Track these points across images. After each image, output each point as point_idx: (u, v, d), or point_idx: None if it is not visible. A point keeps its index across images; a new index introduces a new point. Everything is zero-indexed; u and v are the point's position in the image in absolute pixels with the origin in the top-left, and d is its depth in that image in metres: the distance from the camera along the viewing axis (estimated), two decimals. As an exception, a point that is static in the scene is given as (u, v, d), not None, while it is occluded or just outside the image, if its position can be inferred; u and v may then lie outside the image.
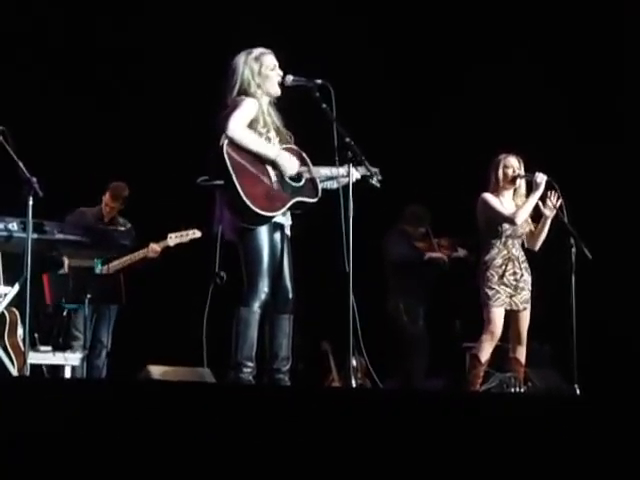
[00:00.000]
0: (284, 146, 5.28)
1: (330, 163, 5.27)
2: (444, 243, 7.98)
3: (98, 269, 7.29)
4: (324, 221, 5.11)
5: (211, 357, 5.34)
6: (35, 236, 5.52)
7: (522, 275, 6.56)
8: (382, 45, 8.62)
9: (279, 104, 5.34)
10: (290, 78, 5.27)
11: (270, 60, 5.29)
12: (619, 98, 8.50)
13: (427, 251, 7.96)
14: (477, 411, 3.90)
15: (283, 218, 5.27)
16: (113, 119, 8.30)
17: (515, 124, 8.13)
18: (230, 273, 5.21)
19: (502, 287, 6.49)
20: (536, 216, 6.62)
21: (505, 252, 6.56)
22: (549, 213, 6.55)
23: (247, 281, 5.16)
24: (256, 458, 3.49)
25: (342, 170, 5.23)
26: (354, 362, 6.70)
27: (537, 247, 6.67)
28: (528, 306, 6.57)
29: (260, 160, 5.17)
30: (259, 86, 5.23)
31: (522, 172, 6.61)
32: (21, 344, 6.38)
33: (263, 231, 5.15)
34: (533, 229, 6.65)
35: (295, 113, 5.41)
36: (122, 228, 7.29)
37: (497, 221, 6.56)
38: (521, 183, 6.66)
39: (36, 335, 6.82)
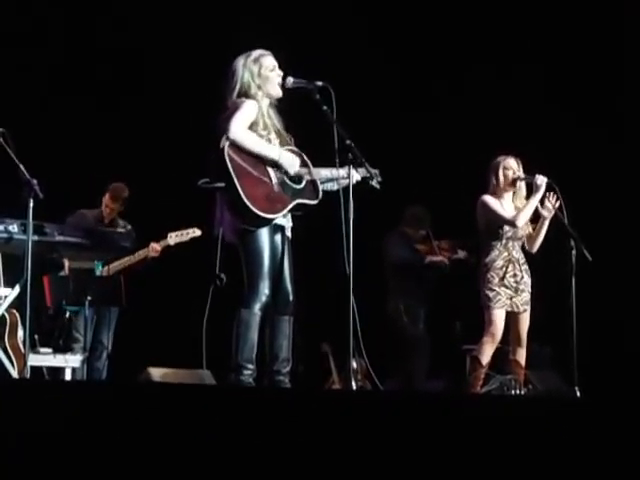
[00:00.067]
0: (285, 148, 5.29)
1: (330, 165, 5.28)
2: (444, 245, 7.98)
3: (98, 271, 7.29)
4: (324, 223, 5.11)
5: (211, 359, 5.34)
6: (35, 238, 5.52)
7: (522, 277, 6.56)
8: (382, 47, 8.62)
9: (280, 106, 5.34)
10: (290, 80, 5.27)
11: (269, 61, 5.30)
12: (619, 99, 8.49)
13: (427, 253, 7.96)
14: (477, 413, 3.90)
15: (284, 220, 5.27)
16: (113, 121, 8.30)
17: (514, 125, 8.13)
18: (230, 275, 5.21)
19: (502, 289, 6.49)
20: (534, 217, 6.62)
21: (506, 254, 6.55)
22: (547, 214, 6.54)
23: (248, 283, 5.16)
24: (257, 460, 3.49)
25: (342, 172, 5.23)
26: (354, 364, 6.70)
27: (535, 249, 6.67)
28: (528, 308, 6.57)
29: (261, 162, 5.17)
30: (259, 87, 5.23)
31: (522, 174, 6.61)
32: (21, 346, 6.39)
33: (264, 233, 5.15)
34: (532, 231, 6.65)
35: (296, 115, 5.41)
36: (122, 230, 7.29)
37: (498, 223, 6.56)
38: (521, 185, 6.66)
39: (36, 337, 6.82)
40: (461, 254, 7.89)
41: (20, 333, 6.47)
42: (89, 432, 3.37)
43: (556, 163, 7.00)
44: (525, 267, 6.60)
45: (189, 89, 7.88)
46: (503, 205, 6.60)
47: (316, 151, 5.35)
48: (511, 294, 6.50)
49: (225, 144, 5.07)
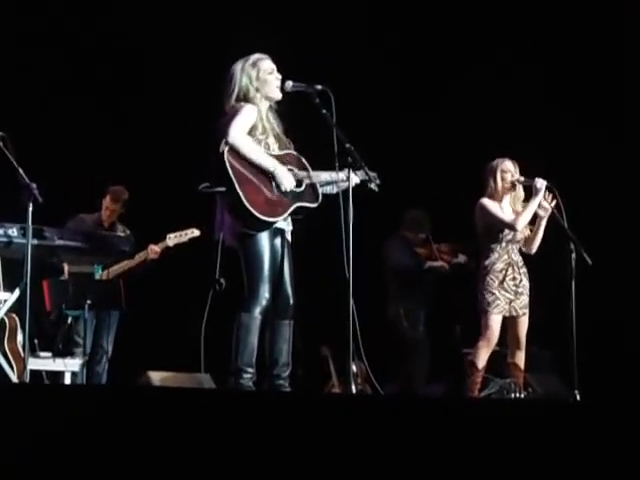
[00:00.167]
0: (283, 152, 5.29)
1: (330, 168, 5.27)
2: (444, 249, 7.98)
3: (98, 275, 7.29)
4: (324, 226, 5.11)
5: (211, 363, 5.33)
6: (35, 242, 5.52)
7: (521, 280, 6.55)
8: (381, 50, 8.62)
9: (279, 110, 5.35)
10: (290, 84, 5.27)
11: (267, 65, 5.30)
12: (619, 100, 8.49)
13: (427, 257, 7.96)
14: (477, 417, 3.90)
15: (284, 223, 5.27)
16: (112, 125, 8.30)
17: (514, 128, 8.13)
18: (231, 279, 5.20)
19: (502, 292, 6.48)
20: (532, 219, 6.62)
21: (505, 257, 6.55)
22: (544, 213, 6.54)
23: (248, 287, 5.16)
24: (256, 464, 3.49)
25: (341, 175, 5.23)
26: (354, 367, 6.69)
27: (534, 250, 6.66)
28: (527, 311, 6.56)
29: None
30: (258, 90, 5.24)
31: (521, 177, 6.61)
32: (21, 350, 6.38)
33: (264, 237, 5.15)
34: (530, 232, 6.64)
35: (295, 119, 5.41)
36: (121, 234, 7.29)
37: (497, 227, 6.56)
38: (518, 187, 6.65)
39: (36, 341, 6.81)
40: (461, 258, 7.90)
41: (20, 337, 6.46)
42: (89, 436, 3.37)
43: (555, 165, 7.00)
44: (524, 270, 6.60)
45: (187, 92, 7.88)
46: (502, 208, 6.60)
47: (315, 154, 5.35)
48: (510, 298, 6.49)
49: (225, 148, 5.08)
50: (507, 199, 6.64)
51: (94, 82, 8.33)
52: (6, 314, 6.22)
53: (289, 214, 5.24)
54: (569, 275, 6.41)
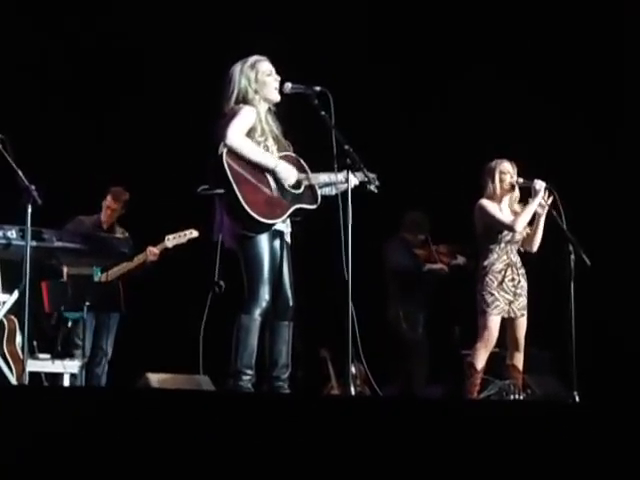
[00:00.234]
0: (282, 154, 5.29)
1: (329, 170, 5.27)
2: (443, 250, 7.98)
3: (97, 277, 7.29)
4: (323, 228, 5.11)
5: (210, 365, 5.33)
6: (34, 244, 5.52)
7: (519, 281, 6.55)
8: (381, 52, 8.62)
9: (278, 111, 5.35)
10: (289, 86, 5.27)
11: (266, 66, 5.30)
12: (619, 103, 8.50)
13: (426, 258, 7.96)
14: (477, 418, 3.90)
15: (283, 225, 5.27)
16: (111, 127, 8.30)
17: (513, 129, 8.13)
18: (230, 280, 5.20)
19: (501, 293, 6.48)
20: (530, 219, 6.61)
21: (504, 257, 6.55)
22: (541, 211, 6.54)
23: (248, 289, 5.15)
24: (255, 466, 3.49)
25: (340, 176, 5.24)
26: (353, 369, 6.69)
27: (535, 248, 6.65)
28: (525, 312, 6.56)
29: (259, 168, 5.17)
30: (256, 92, 5.23)
31: (519, 178, 6.60)
32: (20, 352, 6.37)
33: (263, 239, 5.15)
34: (529, 230, 6.64)
35: (294, 120, 5.41)
36: (120, 236, 7.29)
37: (496, 228, 6.56)
38: (516, 188, 6.65)
39: (35, 343, 6.81)
40: (460, 259, 7.90)
41: (18, 339, 6.46)
42: (88, 438, 3.37)
43: (554, 166, 7.00)
44: (522, 271, 6.59)
45: (187, 96, 7.88)
46: (501, 209, 6.60)
47: (314, 156, 5.35)
48: (510, 299, 6.49)
49: (223, 151, 5.08)
50: (506, 200, 6.64)
51: (93, 84, 8.33)
52: (5, 316, 6.22)
53: (288, 216, 5.24)
54: (568, 276, 6.42)
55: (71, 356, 7.12)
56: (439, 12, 8.60)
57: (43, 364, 6.82)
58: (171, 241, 7.49)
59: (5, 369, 6.06)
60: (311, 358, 8.03)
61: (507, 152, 6.71)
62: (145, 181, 7.89)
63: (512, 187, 6.62)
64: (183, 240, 7.48)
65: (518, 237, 6.60)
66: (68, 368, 6.90)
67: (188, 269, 7.21)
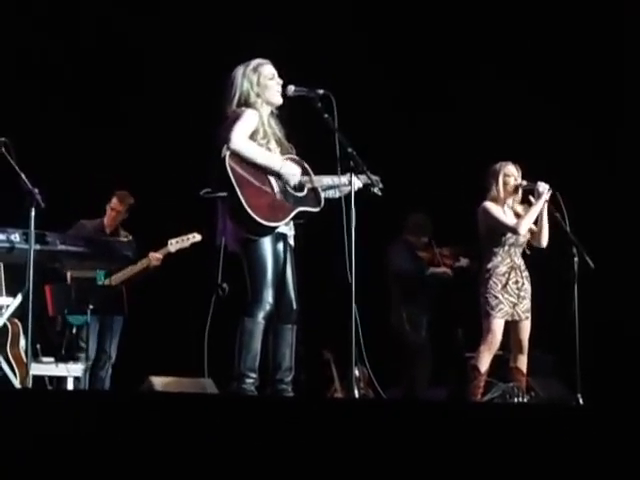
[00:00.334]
0: (285, 156, 5.29)
1: (332, 172, 5.28)
2: (446, 252, 7.97)
3: (100, 281, 7.29)
4: (326, 231, 5.11)
5: (214, 368, 5.33)
6: (37, 247, 5.52)
7: (523, 284, 6.55)
8: (383, 55, 8.63)
9: (281, 114, 5.34)
10: (292, 88, 5.27)
11: (268, 70, 5.30)
12: (621, 105, 8.49)
13: (430, 261, 7.95)
14: (480, 421, 3.89)
15: (286, 228, 5.26)
16: (114, 130, 8.31)
17: (516, 131, 8.13)
18: (233, 284, 5.20)
19: (505, 296, 6.48)
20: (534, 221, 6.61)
21: (508, 260, 6.55)
22: (542, 204, 6.52)
23: (251, 292, 5.15)
24: (259, 469, 3.48)
25: (344, 179, 5.23)
26: (357, 372, 6.68)
27: (544, 243, 6.62)
28: (529, 315, 6.56)
29: (262, 171, 5.17)
30: (258, 95, 5.23)
31: (523, 181, 6.60)
32: (23, 355, 6.38)
33: (266, 242, 5.15)
34: (534, 229, 6.62)
35: (297, 123, 5.41)
36: (124, 239, 7.29)
37: (500, 230, 6.56)
38: (519, 191, 6.64)
39: (38, 346, 6.82)
40: (463, 262, 7.89)
41: (22, 342, 6.47)
42: (92, 441, 3.37)
43: (558, 169, 6.99)
44: (526, 274, 6.59)
45: (189, 99, 7.88)
46: (505, 212, 6.60)
47: (318, 159, 5.35)
48: (514, 302, 6.49)
49: (226, 154, 5.07)
50: (509, 202, 6.64)
51: (96, 87, 8.33)
52: (9, 319, 6.22)
53: (291, 219, 5.24)
54: (572, 279, 6.41)
55: (75, 359, 7.13)
56: (440, 13, 8.59)
57: (47, 367, 6.83)
58: (174, 245, 7.49)
59: (9, 373, 6.07)
60: (314, 361, 8.03)
61: (508, 153, 6.71)
62: (148, 184, 7.90)
63: (516, 190, 6.62)
64: (186, 244, 7.48)
65: (522, 240, 6.60)
66: (72, 371, 6.91)
67: (191, 272, 7.21)
